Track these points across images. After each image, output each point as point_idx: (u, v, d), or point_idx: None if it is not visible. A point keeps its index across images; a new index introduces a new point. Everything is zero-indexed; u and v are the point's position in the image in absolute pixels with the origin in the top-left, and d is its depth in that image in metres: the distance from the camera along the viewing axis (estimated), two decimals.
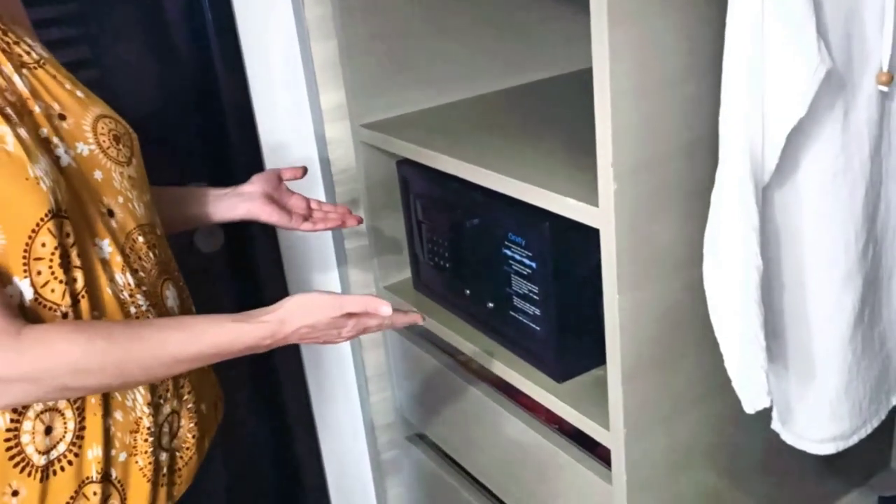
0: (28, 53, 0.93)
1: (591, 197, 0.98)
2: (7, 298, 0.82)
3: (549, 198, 1.05)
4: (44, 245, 0.83)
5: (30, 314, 0.84)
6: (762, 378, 0.88)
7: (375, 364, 1.71)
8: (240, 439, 1.73)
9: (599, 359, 1.09)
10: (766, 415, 0.99)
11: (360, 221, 1.29)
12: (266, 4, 1.44)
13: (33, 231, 0.82)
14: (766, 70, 0.78)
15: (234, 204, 1.20)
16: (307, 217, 1.25)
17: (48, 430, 0.87)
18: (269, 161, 1.55)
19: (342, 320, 0.96)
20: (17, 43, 0.92)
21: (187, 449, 1.01)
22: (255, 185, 1.22)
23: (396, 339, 1.60)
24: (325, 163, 1.54)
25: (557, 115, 1.38)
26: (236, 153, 1.58)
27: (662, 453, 1.11)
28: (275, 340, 0.93)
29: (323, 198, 1.55)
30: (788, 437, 0.99)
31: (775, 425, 1.00)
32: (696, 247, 0.95)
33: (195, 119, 1.56)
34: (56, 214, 0.84)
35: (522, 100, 1.50)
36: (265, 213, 1.21)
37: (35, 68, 0.92)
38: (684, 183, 0.99)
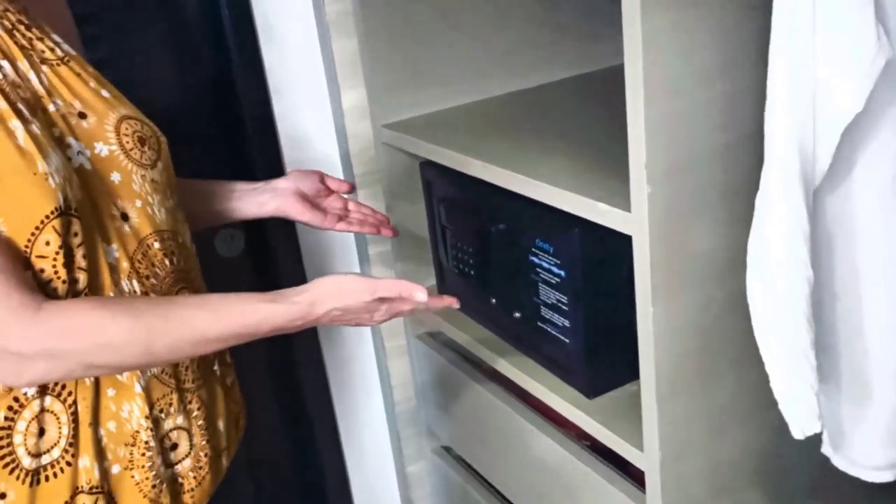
0: (52, 50, 0.90)
1: (623, 201, 0.91)
2: (27, 277, 0.79)
3: (578, 202, 0.98)
4: (48, 243, 0.80)
5: None
6: (812, 400, 0.80)
7: (400, 373, 1.65)
8: (264, 449, 1.68)
9: (633, 373, 1.00)
10: (816, 437, 0.90)
11: (396, 233, 1.26)
12: (287, 3, 1.39)
13: (37, 228, 0.79)
14: (817, 60, 0.71)
15: (265, 200, 1.16)
16: (342, 218, 1.21)
17: (41, 433, 0.84)
18: (289, 161, 1.50)
19: (375, 304, 0.93)
20: (40, 39, 0.90)
21: (200, 468, 0.96)
22: (289, 181, 1.18)
23: (421, 348, 1.54)
24: (346, 164, 1.48)
25: (587, 114, 1.31)
26: (255, 153, 1.53)
27: (702, 476, 1.03)
28: (305, 322, 0.90)
29: None
30: (841, 463, 0.91)
31: (826, 449, 0.92)
32: (738, 254, 0.87)
33: (214, 118, 1.51)
34: (63, 213, 0.80)
35: (550, 98, 1.43)
36: (297, 211, 1.17)
37: (57, 65, 0.89)
38: (724, 186, 0.91)
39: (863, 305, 0.83)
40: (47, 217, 0.79)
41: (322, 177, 1.22)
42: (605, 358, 1.10)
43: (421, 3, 1.35)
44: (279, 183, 1.18)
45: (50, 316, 0.78)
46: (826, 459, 0.95)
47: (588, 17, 1.49)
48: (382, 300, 0.94)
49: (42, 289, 0.80)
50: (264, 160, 1.50)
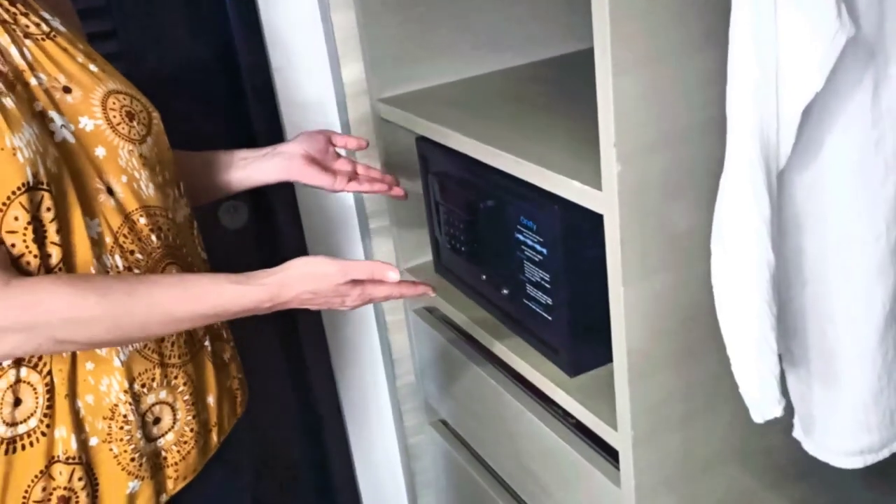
0: (37, 25, 0.91)
1: (596, 180, 0.90)
2: None
3: (554, 180, 0.97)
4: (16, 218, 0.81)
5: None
6: (773, 385, 0.79)
7: (401, 347, 1.66)
8: (266, 422, 1.70)
9: None
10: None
11: (405, 196, 1.26)
12: None
13: (4, 203, 0.80)
14: (778, 37, 0.69)
15: (273, 165, 1.15)
16: (352, 177, 1.21)
17: (17, 402, 0.86)
18: (290, 131, 1.50)
19: (346, 287, 0.93)
20: (25, 14, 0.90)
21: (185, 443, 0.97)
22: (296, 145, 1.17)
23: (419, 323, 1.55)
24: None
25: (581, 91, 1.29)
26: (257, 125, 1.53)
27: (677, 456, 1.03)
28: (274, 304, 0.90)
29: None
30: (811, 448, 0.90)
31: (797, 433, 0.91)
32: (710, 233, 0.86)
33: (215, 91, 1.52)
34: (32, 188, 0.81)
35: (546, 74, 1.42)
36: (306, 175, 1.16)
37: (42, 40, 0.90)
38: (700, 165, 0.90)
39: (831, 290, 0.81)
40: (14, 193, 0.80)
41: (330, 137, 1.21)
42: (586, 337, 1.10)
43: None
44: (287, 147, 1.17)
45: (17, 291, 0.79)
46: None
47: None
48: (354, 283, 0.93)
49: (14, 263, 0.82)
50: (265, 130, 1.51)
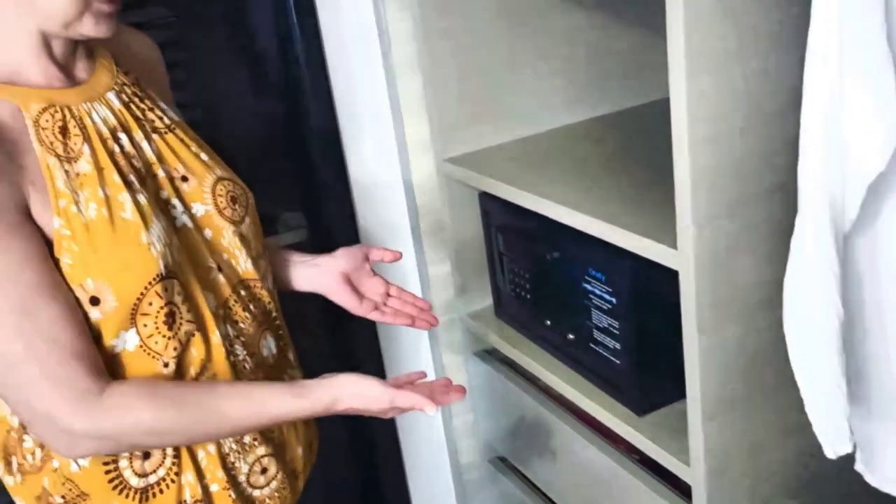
0: (161, 119, 1.01)
1: (670, 238, 1.00)
2: (96, 359, 0.88)
3: (627, 237, 1.07)
4: (150, 304, 0.90)
5: (134, 360, 0.91)
6: (843, 424, 0.89)
7: None
8: (324, 456, 1.78)
9: (680, 392, 1.09)
10: (851, 454, 0.98)
11: (433, 324, 1.22)
12: (355, 41, 1.50)
13: (142, 294, 0.89)
14: (843, 120, 0.79)
15: (311, 275, 1.19)
16: (378, 306, 1.20)
17: (146, 456, 0.95)
18: (357, 192, 1.61)
19: (389, 409, 0.99)
20: (151, 109, 1.01)
21: (283, 488, 1.06)
22: (335, 261, 1.19)
23: (478, 364, 1.64)
24: (409, 192, 1.59)
25: (640, 146, 1.40)
26: (325, 183, 1.64)
27: (744, 489, 1.12)
28: (326, 413, 0.98)
29: (408, 226, 1.60)
30: (872, 480, 0.99)
31: (859, 467, 1.00)
32: (777, 287, 0.95)
33: (286, 150, 1.63)
34: (164, 277, 0.90)
35: (605, 131, 1.52)
36: (335, 294, 1.18)
37: (165, 133, 1.00)
38: (768, 224, 1.00)
39: (888, 337, 0.91)
40: (150, 283, 0.89)
41: (367, 252, 1.21)
42: (653, 378, 1.19)
43: (480, 45, 1.45)
44: (326, 261, 1.19)
45: (110, 403, 0.87)
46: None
47: (644, 50, 1.57)
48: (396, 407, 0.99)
49: (143, 343, 0.91)
50: (333, 190, 1.62)
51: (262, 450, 1.02)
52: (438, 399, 1.00)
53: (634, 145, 1.41)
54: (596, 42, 1.54)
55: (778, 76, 0.94)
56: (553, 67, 1.52)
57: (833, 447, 0.90)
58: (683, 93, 0.90)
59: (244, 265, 1.02)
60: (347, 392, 0.96)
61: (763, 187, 0.98)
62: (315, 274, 1.19)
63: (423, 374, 1.04)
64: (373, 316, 1.20)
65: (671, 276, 1.02)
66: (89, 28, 0.89)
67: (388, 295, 1.21)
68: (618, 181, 1.24)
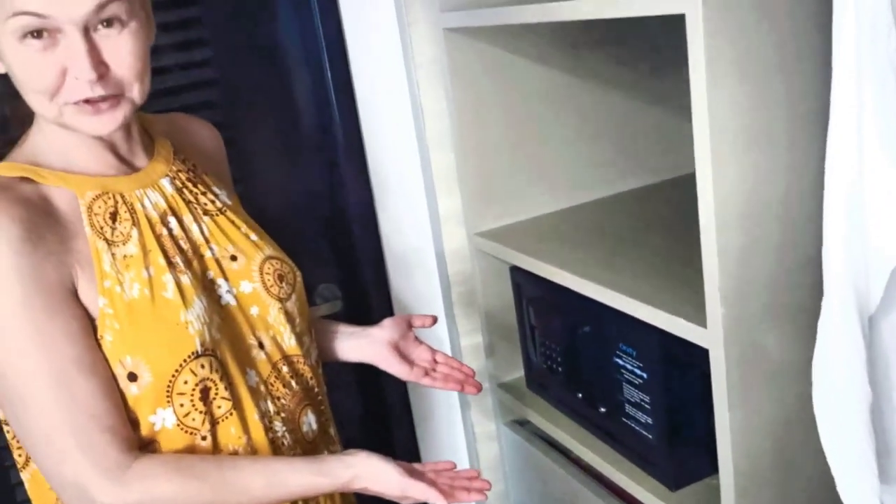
0: (213, 202, 1.06)
1: (700, 316, 1.02)
2: (128, 433, 0.92)
3: (657, 315, 1.10)
4: (186, 382, 0.94)
5: (173, 435, 0.95)
6: (875, 501, 0.90)
7: (489, 457, 1.76)
8: None
9: (715, 465, 1.10)
10: None
11: (478, 390, 1.24)
12: (391, 117, 1.56)
13: (177, 370, 0.93)
14: (866, 204, 0.82)
15: (361, 346, 1.22)
16: (428, 371, 1.23)
17: None
18: (391, 264, 1.65)
19: (401, 498, 1.01)
20: (204, 193, 1.05)
21: None
22: (384, 331, 1.22)
23: (510, 434, 1.65)
24: (441, 264, 1.63)
25: (668, 220, 1.43)
26: (360, 255, 1.68)
27: None
28: (344, 490, 1.00)
29: (440, 298, 1.64)
30: None
31: None
32: (809, 362, 0.97)
33: (323, 222, 1.67)
34: (200, 355, 0.94)
35: (633, 205, 1.56)
36: (386, 362, 1.21)
37: (216, 216, 1.05)
38: (796, 301, 1.02)
39: None
40: (185, 360, 0.93)
41: (409, 320, 1.25)
42: (686, 452, 1.20)
43: (511, 122, 1.50)
44: (374, 332, 1.22)
45: (137, 477, 0.90)
46: None
47: (666, 127, 1.62)
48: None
49: (181, 421, 0.94)
50: (369, 259, 1.66)
51: None
52: (458, 494, 1.01)
53: (663, 219, 1.44)
54: (624, 118, 1.59)
55: (803, 158, 0.98)
56: (582, 143, 1.56)
57: None
58: (709, 177, 0.93)
59: (288, 341, 1.06)
60: (365, 472, 0.98)
61: (790, 265, 1.01)
62: (366, 344, 1.22)
63: (453, 465, 1.05)
64: (424, 381, 1.22)
65: (702, 350, 1.04)
66: (80, 127, 0.91)
67: (435, 361, 1.25)
68: (647, 256, 1.27)
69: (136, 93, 0.92)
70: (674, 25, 0.94)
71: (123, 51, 0.90)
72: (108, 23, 0.88)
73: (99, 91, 0.88)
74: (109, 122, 0.91)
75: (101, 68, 0.88)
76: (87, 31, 0.87)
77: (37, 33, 0.86)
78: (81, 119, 0.91)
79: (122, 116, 0.92)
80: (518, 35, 1.46)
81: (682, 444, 1.19)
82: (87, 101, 0.89)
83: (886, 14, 0.78)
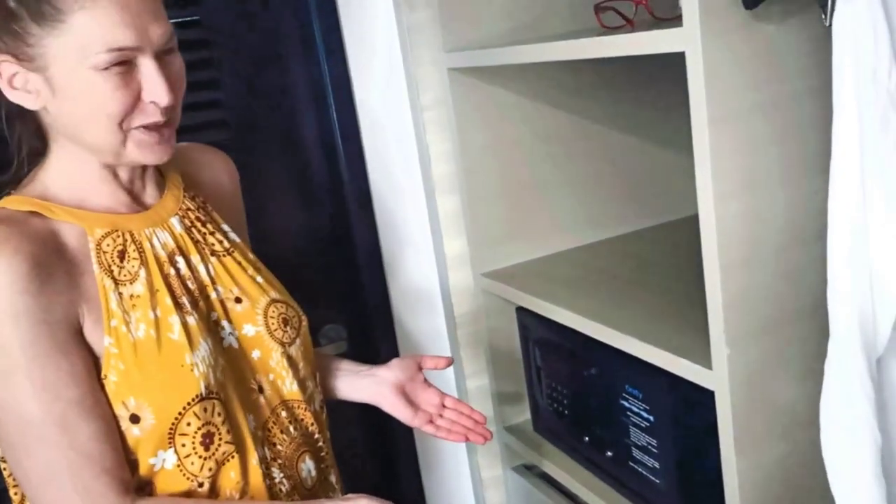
0: (220, 242, 1.05)
1: (706, 358, 1.01)
2: (126, 475, 0.91)
3: (662, 356, 1.08)
4: (189, 424, 0.92)
5: (171, 477, 0.93)
6: None
7: (496, 502, 1.73)
8: None
9: None
10: None
11: (487, 439, 1.19)
12: (397, 160, 1.57)
13: (180, 413, 0.92)
14: (871, 244, 0.81)
15: (365, 386, 1.18)
16: (433, 418, 1.18)
17: None
18: (397, 305, 1.64)
19: None
20: (212, 233, 1.05)
21: None
22: (391, 372, 1.18)
23: (517, 479, 1.62)
24: (447, 304, 1.62)
25: (674, 262, 1.41)
26: (367, 297, 1.67)
27: None
28: None
29: (446, 340, 1.63)
30: None
31: None
32: (816, 405, 0.94)
33: (328, 264, 1.67)
34: (204, 398, 0.93)
35: (639, 246, 1.55)
36: (390, 405, 1.17)
37: (223, 256, 1.04)
38: (803, 343, 1.00)
39: None
40: (189, 403, 0.92)
41: (420, 362, 1.20)
42: (694, 497, 1.17)
43: (516, 165, 1.50)
44: (381, 372, 1.18)
45: None
46: None
47: (671, 170, 1.61)
48: None
49: (181, 462, 0.93)
50: (375, 302, 1.65)
51: None
52: None
53: (669, 261, 1.43)
54: (628, 160, 1.59)
55: (807, 201, 0.97)
56: (587, 184, 1.56)
57: None
58: (712, 218, 0.92)
59: (289, 386, 1.04)
60: None
61: (796, 307, 0.99)
62: (370, 385, 1.18)
63: None
64: (427, 429, 1.17)
65: (709, 393, 1.02)
66: (136, 156, 0.93)
67: (444, 406, 1.19)
68: (652, 297, 1.26)
69: (178, 121, 0.96)
70: (679, 66, 0.94)
71: (180, 78, 0.94)
72: (169, 51, 0.92)
73: (168, 115, 0.92)
74: (168, 150, 0.95)
75: (171, 94, 0.91)
76: (159, 58, 0.91)
77: (121, 62, 0.88)
78: (144, 145, 0.93)
79: (173, 145, 0.96)
80: (522, 76, 1.46)
81: (690, 489, 1.17)
82: (152, 128, 0.92)
83: (886, 50, 0.77)
